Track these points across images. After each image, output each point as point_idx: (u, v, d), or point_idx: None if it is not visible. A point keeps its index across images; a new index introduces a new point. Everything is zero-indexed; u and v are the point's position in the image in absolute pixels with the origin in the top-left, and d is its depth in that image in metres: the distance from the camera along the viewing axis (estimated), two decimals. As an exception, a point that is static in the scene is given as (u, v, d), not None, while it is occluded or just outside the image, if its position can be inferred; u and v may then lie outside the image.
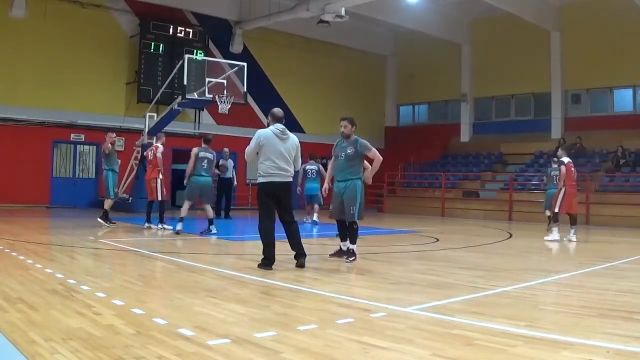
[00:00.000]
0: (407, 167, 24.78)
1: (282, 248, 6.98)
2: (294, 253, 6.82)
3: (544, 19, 21.14)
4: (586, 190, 17.76)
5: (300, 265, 6.69)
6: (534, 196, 18.29)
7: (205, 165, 10.70)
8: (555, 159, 16.14)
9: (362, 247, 9.07)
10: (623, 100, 21.33)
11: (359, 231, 7.58)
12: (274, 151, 6.62)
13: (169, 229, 11.05)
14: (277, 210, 6.77)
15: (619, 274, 7.11)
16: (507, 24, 21.67)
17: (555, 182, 15.25)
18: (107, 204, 11.99)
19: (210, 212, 10.89)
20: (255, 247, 7.59)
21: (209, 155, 10.81)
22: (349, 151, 7.37)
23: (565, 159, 11.94)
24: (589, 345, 3.61)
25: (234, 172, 15.99)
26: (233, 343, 3.51)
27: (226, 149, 15.98)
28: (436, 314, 4.44)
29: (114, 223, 11.89)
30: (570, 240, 11.39)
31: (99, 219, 11.80)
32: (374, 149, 7.55)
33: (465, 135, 25.03)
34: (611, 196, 17.65)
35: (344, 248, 7.58)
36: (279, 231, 6.73)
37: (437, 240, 11.24)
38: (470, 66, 24.53)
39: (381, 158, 7.56)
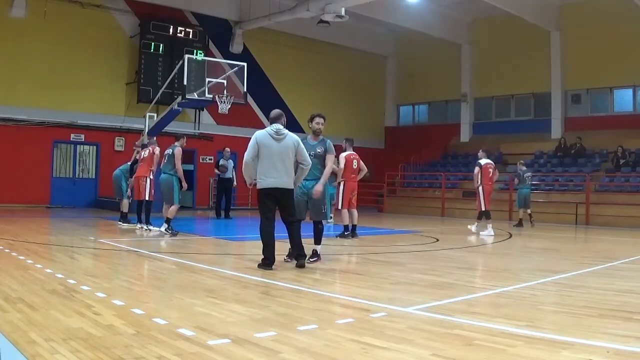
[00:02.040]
0: (407, 167, 24.75)
1: (282, 248, 6.99)
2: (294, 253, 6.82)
3: (544, 19, 21.12)
4: (586, 190, 17.79)
5: (300, 265, 6.70)
6: (533, 196, 18.23)
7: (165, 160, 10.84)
8: (522, 161, 16.61)
9: (362, 247, 9.09)
10: (623, 100, 21.31)
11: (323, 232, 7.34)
12: (270, 152, 6.60)
13: (156, 230, 10.76)
14: (278, 211, 6.78)
15: (619, 274, 7.11)
16: (507, 24, 21.65)
17: (527, 182, 15.80)
18: (125, 205, 12.04)
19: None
20: (255, 247, 7.58)
21: (169, 151, 10.89)
22: (319, 150, 7.25)
23: (483, 161, 12.54)
24: (589, 345, 3.61)
25: (234, 172, 15.97)
26: (233, 343, 3.51)
27: (227, 149, 15.97)
28: (436, 314, 4.44)
29: (133, 223, 11.84)
30: (471, 232, 12.40)
31: (121, 224, 11.81)
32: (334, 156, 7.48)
33: (465, 135, 25.01)
34: (611, 196, 17.63)
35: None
36: (279, 231, 6.73)
37: (437, 240, 11.23)
38: (470, 66, 24.50)
39: (335, 168, 7.38)
